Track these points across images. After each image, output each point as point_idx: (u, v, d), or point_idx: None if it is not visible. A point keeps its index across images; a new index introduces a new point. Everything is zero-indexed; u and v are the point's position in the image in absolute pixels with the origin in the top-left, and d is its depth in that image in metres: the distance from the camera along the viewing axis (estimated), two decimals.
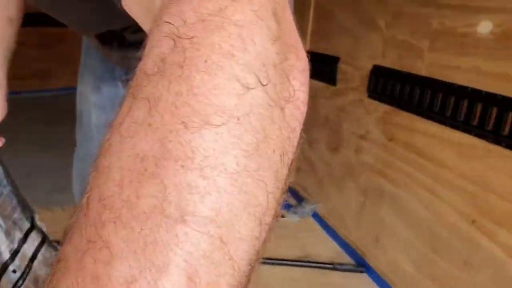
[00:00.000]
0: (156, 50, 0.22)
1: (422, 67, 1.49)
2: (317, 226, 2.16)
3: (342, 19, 1.93)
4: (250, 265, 0.21)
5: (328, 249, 1.97)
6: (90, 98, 0.98)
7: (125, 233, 0.19)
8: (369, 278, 1.78)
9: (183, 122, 0.20)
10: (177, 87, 0.21)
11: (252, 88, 0.21)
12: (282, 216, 2.18)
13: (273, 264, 1.79)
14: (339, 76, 1.97)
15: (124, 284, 0.18)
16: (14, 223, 0.81)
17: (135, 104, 0.21)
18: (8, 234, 0.79)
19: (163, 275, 0.18)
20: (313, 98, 1.86)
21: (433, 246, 1.47)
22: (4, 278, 0.76)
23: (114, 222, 0.19)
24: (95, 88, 0.97)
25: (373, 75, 1.71)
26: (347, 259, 1.90)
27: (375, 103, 1.72)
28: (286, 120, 0.23)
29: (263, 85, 0.21)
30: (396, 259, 1.65)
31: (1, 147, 0.83)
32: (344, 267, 1.82)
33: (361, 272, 1.81)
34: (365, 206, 1.83)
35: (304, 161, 2.33)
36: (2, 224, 0.79)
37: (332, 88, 2.02)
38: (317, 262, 1.84)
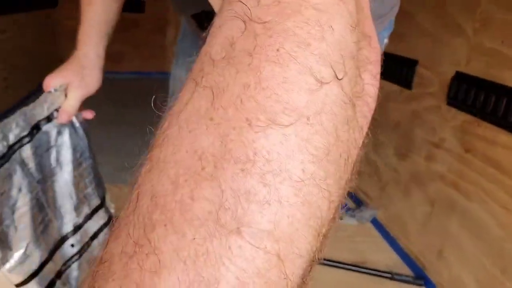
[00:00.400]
0: (224, 31, 0.20)
1: (511, 78, 1.41)
2: (375, 232, 2.10)
3: (423, 21, 1.86)
4: (303, 282, 0.19)
5: (386, 257, 1.92)
6: (184, 81, 1.00)
7: (176, 239, 0.17)
8: None
9: (247, 119, 0.18)
10: (244, 78, 0.19)
11: (327, 83, 0.19)
12: (340, 218, 2.14)
13: (329, 266, 1.77)
14: (415, 80, 1.90)
15: None
16: (85, 197, 0.81)
17: (197, 92, 0.20)
18: (76, 207, 0.79)
19: None
20: (384, 100, 1.81)
21: (503, 266, 1.40)
22: (59, 251, 0.76)
23: (165, 225, 0.17)
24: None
25: (455, 81, 1.64)
26: (405, 269, 1.84)
27: (454, 111, 1.64)
28: (356, 119, 0.20)
29: (339, 79, 0.19)
30: (460, 276, 1.58)
31: (91, 119, 0.84)
32: (402, 277, 1.76)
33: (420, 285, 1.75)
34: (431, 216, 1.76)
35: (368, 164, 2.28)
36: (74, 196, 0.79)
37: (406, 91, 1.96)
38: (374, 270, 1.79)
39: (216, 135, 0.18)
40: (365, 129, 0.22)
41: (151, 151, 0.20)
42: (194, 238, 0.17)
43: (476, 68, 1.55)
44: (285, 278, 0.18)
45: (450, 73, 1.67)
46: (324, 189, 0.19)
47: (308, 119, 0.18)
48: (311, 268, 0.20)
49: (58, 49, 3.85)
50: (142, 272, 0.17)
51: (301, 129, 0.18)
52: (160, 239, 0.17)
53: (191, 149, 0.18)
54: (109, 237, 0.19)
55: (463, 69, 1.61)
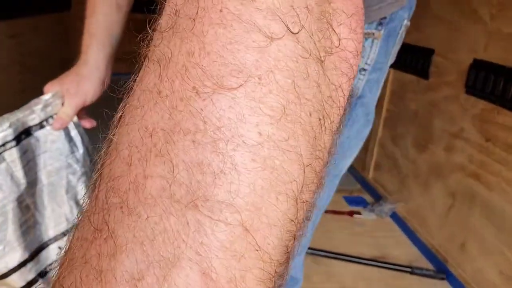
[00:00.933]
0: (171, 1, 0.19)
1: None
2: (395, 226, 2.07)
3: (438, 9, 1.82)
4: (287, 252, 0.18)
5: (406, 252, 1.88)
6: None
7: (132, 220, 0.16)
8: (450, 286, 1.68)
9: (194, 88, 0.17)
10: (188, 45, 0.18)
11: (278, 38, 0.17)
12: (358, 213, 2.11)
13: (348, 261, 1.74)
14: (432, 69, 1.86)
15: (130, 281, 0.16)
16: (78, 203, 0.82)
17: (147, 67, 0.19)
18: (67, 213, 0.80)
19: (173, 270, 0.16)
20: (401, 91, 1.77)
21: None
22: (44, 252, 0.77)
23: (121, 207, 0.17)
24: None
25: (472, 69, 1.59)
26: (426, 264, 1.80)
27: (473, 99, 1.60)
28: (327, 75, 0.19)
29: (294, 33, 0.18)
30: (483, 269, 1.53)
31: (90, 128, 0.84)
32: (423, 272, 1.72)
33: (442, 279, 1.71)
34: (452, 209, 1.71)
35: (386, 157, 2.24)
36: (65, 202, 0.80)
37: (423, 82, 1.92)
38: (395, 264, 1.76)
39: (165, 109, 0.17)
40: (347, 87, 0.21)
41: (109, 134, 0.19)
42: (149, 217, 0.16)
43: (494, 55, 1.50)
44: (257, 250, 0.17)
45: (468, 61, 1.62)
46: (289, 151, 0.17)
47: (259, 78, 0.17)
48: (295, 237, 0.19)
49: (72, 51, 3.88)
50: (100, 257, 0.16)
51: (252, 90, 0.17)
52: (117, 223, 0.16)
53: (142, 126, 0.18)
54: (76, 225, 0.19)
55: (481, 56, 1.56)
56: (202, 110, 0.17)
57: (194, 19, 0.18)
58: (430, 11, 1.86)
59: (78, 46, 0.83)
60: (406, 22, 0.67)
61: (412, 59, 1.96)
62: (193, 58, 0.17)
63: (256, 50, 0.17)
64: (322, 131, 0.19)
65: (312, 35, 0.18)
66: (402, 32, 0.66)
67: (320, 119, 0.19)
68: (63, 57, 3.74)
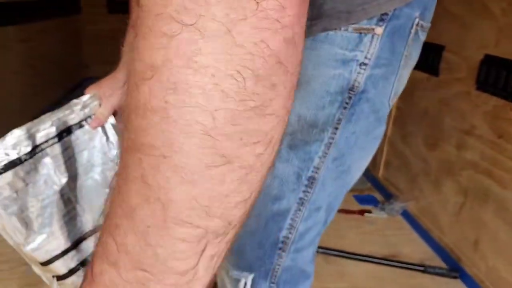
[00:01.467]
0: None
1: None
2: (406, 225, 2.05)
3: (448, 4, 1.80)
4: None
5: (418, 250, 1.86)
6: None
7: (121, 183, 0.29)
8: (463, 284, 1.66)
9: (133, 83, 0.26)
10: (134, 54, 0.26)
11: (177, 34, 0.24)
12: (369, 212, 2.10)
13: (359, 260, 1.73)
14: (442, 66, 1.84)
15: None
16: None
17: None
18: (97, 210, 0.84)
19: (128, 183, 0.28)
20: (410, 89, 1.75)
21: None
22: (86, 242, 0.81)
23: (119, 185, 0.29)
24: None
25: (484, 65, 1.57)
26: (438, 262, 1.79)
27: (484, 95, 1.58)
28: (236, 39, 0.24)
29: (191, 25, 0.23)
30: (497, 267, 1.52)
31: None
32: (436, 270, 1.71)
33: (455, 277, 1.69)
34: (464, 207, 1.69)
35: (396, 156, 2.22)
36: (104, 196, 0.83)
37: (433, 79, 1.90)
38: (407, 263, 1.74)
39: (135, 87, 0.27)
40: (273, 38, 0.25)
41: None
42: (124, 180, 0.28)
43: (506, 50, 1.49)
44: (169, 157, 0.27)
45: (479, 57, 1.61)
46: (189, 106, 0.25)
47: (166, 66, 0.25)
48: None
49: (83, 54, 3.90)
50: (121, 216, 0.29)
51: (161, 75, 0.25)
52: (118, 190, 0.29)
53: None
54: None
55: (492, 51, 1.54)
56: (133, 98, 0.27)
57: (138, 35, 0.26)
58: (440, 6, 1.84)
59: (90, 46, 0.86)
60: (418, 21, 0.62)
61: (422, 56, 1.94)
62: (133, 64, 0.26)
63: (161, 48, 0.24)
64: (244, 79, 0.25)
65: (215, 15, 0.23)
66: (414, 31, 0.62)
67: (238, 71, 0.25)
68: (74, 60, 3.77)
